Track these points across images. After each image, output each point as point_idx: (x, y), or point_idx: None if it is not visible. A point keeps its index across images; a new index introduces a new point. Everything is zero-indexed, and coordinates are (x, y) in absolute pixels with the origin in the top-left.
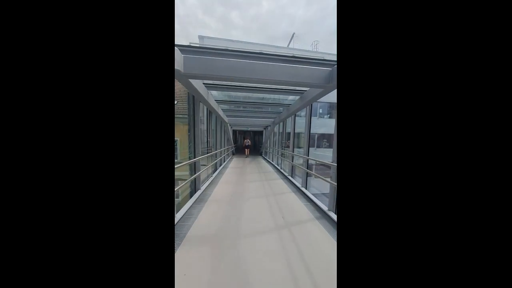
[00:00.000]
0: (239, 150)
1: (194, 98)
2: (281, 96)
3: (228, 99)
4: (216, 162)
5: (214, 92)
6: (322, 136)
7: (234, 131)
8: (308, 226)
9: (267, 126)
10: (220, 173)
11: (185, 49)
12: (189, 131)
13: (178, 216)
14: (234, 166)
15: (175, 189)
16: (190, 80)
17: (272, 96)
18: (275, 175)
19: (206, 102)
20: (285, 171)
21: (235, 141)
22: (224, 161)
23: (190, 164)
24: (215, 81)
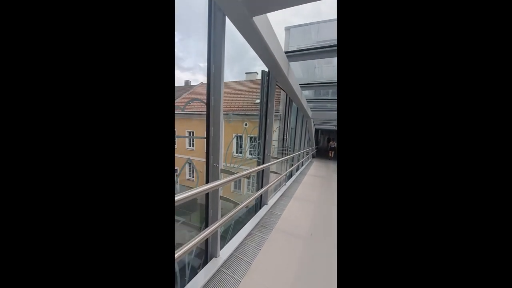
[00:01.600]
0: (320, 153)
1: (269, 75)
2: None
3: (314, 81)
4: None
5: (298, 73)
6: None
7: (316, 130)
8: None
9: None
10: (296, 181)
11: None
12: (260, 124)
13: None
14: (314, 174)
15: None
16: (254, 20)
17: None
18: None
19: (285, 82)
20: None
21: (317, 143)
22: (302, 166)
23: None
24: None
